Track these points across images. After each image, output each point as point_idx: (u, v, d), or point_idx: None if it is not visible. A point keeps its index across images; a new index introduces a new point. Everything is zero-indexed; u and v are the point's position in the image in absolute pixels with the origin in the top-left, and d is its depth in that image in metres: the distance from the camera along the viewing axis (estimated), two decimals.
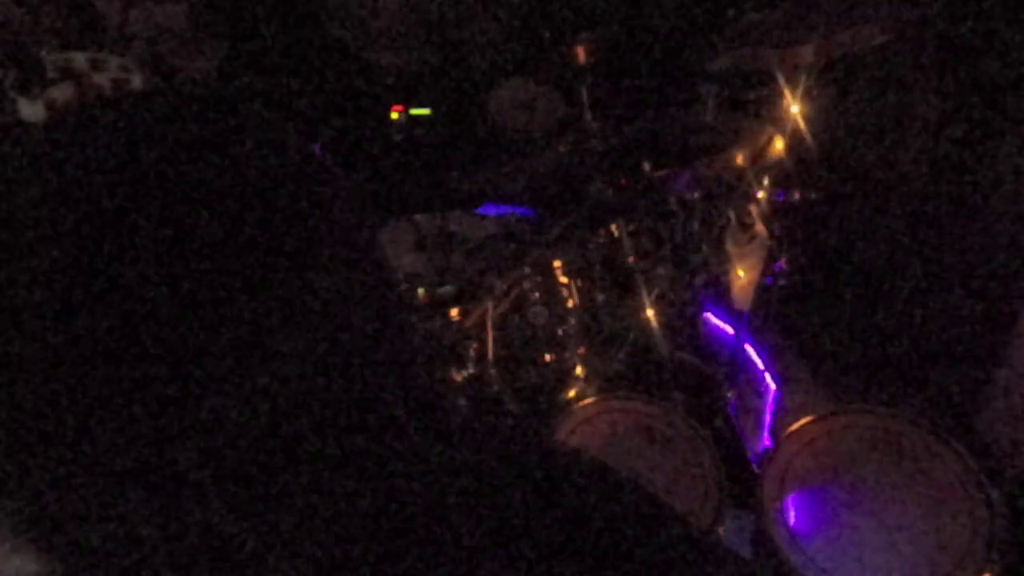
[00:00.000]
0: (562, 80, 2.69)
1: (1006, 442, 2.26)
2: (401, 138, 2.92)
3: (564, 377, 2.23)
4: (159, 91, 0.52)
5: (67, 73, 2.29)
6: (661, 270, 2.32)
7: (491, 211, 2.58)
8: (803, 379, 2.43)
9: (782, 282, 2.40)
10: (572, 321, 2.24)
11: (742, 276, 2.36)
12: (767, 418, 2.27)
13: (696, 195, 2.29)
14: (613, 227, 2.30)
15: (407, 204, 2.68)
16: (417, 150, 2.93)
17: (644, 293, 2.26)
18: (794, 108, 2.20)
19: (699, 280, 2.32)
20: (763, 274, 2.37)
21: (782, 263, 2.38)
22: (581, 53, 2.30)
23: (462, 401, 2.24)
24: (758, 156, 2.25)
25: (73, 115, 0.50)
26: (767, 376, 2.30)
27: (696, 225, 2.31)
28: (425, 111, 2.91)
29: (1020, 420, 2.25)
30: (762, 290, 2.39)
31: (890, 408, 1.89)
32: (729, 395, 2.27)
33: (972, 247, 2.54)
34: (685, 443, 1.93)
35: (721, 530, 1.82)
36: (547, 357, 2.23)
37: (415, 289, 2.32)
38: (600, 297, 2.28)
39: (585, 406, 2.03)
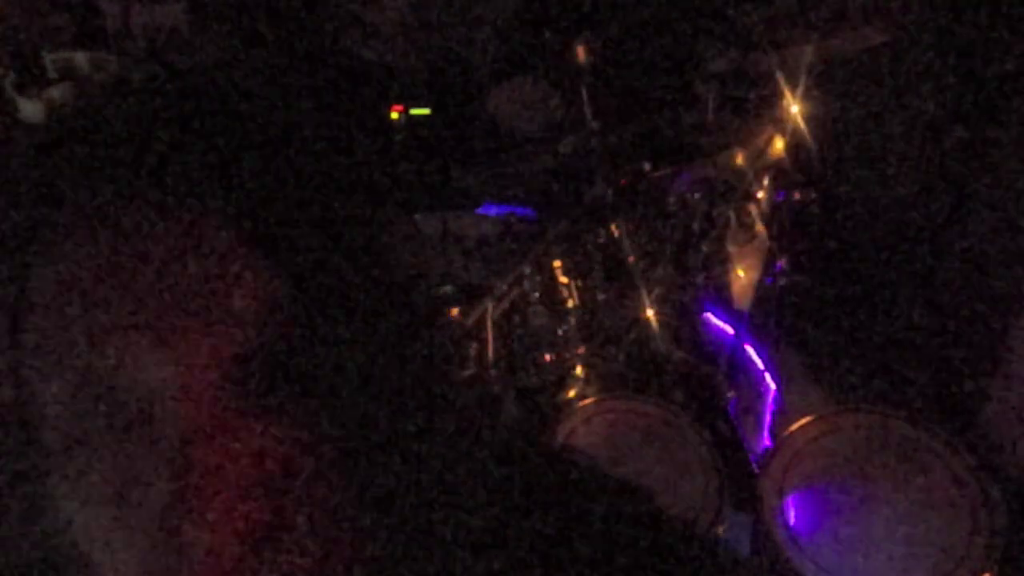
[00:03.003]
0: (562, 80, 2.69)
1: (1006, 442, 2.26)
2: (401, 138, 2.92)
3: (564, 377, 2.23)
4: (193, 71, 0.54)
5: (67, 73, 2.29)
6: (661, 270, 2.32)
7: (491, 211, 2.58)
8: (803, 379, 2.43)
9: (782, 282, 2.40)
10: (572, 321, 2.24)
11: (742, 276, 2.36)
12: (767, 418, 2.27)
13: (696, 195, 2.29)
14: (613, 227, 2.29)
15: (407, 204, 2.67)
16: (417, 150, 2.93)
17: (644, 293, 2.26)
18: (794, 108, 2.20)
19: (699, 280, 2.32)
20: (763, 274, 2.37)
21: (782, 263, 2.38)
22: (581, 53, 2.30)
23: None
24: (758, 156, 2.25)
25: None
26: (767, 376, 2.30)
27: (696, 225, 2.31)
28: (425, 111, 2.90)
29: (1020, 420, 2.25)
30: (762, 290, 2.39)
31: (890, 408, 1.89)
32: (729, 395, 2.27)
33: (972, 247, 2.53)
34: (685, 443, 1.93)
35: (721, 530, 1.82)
36: (547, 357, 2.23)
37: None
38: (600, 297, 2.28)
39: (585, 406, 2.03)
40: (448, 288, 2.33)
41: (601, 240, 2.28)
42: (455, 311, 2.20)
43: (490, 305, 2.17)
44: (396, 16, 2.95)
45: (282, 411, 0.47)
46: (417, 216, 2.51)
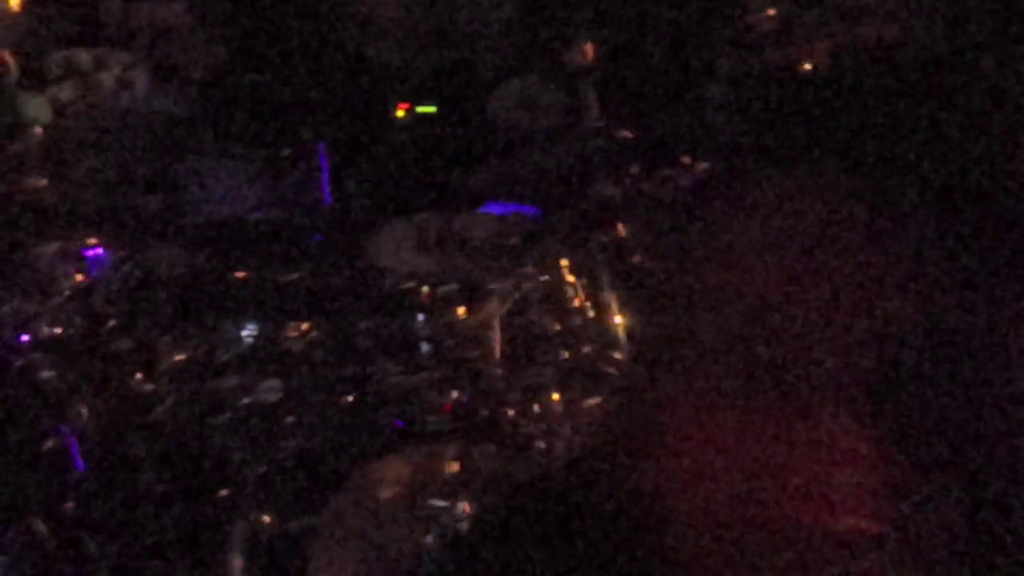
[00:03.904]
0: (568, 78, 2.69)
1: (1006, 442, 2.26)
2: (406, 136, 2.91)
3: (569, 377, 2.23)
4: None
5: (71, 71, 2.29)
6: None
7: (496, 210, 2.57)
8: None
9: None
10: (578, 321, 2.24)
11: None
12: None
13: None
14: (619, 227, 2.29)
15: (411, 202, 2.67)
16: (422, 148, 2.92)
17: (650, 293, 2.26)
18: None
19: None
20: None
21: None
22: (587, 51, 2.29)
23: (463, 399, 2.23)
24: None
25: None
26: None
27: None
28: (431, 109, 2.90)
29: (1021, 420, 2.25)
30: None
31: None
32: None
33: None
34: None
35: None
36: (552, 356, 2.23)
37: (419, 288, 2.32)
38: (606, 297, 2.27)
39: (590, 407, 2.03)
40: (452, 287, 2.33)
41: (607, 240, 2.28)
42: (461, 310, 2.20)
43: (496, 304, 2.16)
44: (402, 13, 2.95)
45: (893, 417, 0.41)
46: (421, 214, 2.50)
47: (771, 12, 2.12)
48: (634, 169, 2.35)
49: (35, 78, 2.21)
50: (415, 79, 2.92)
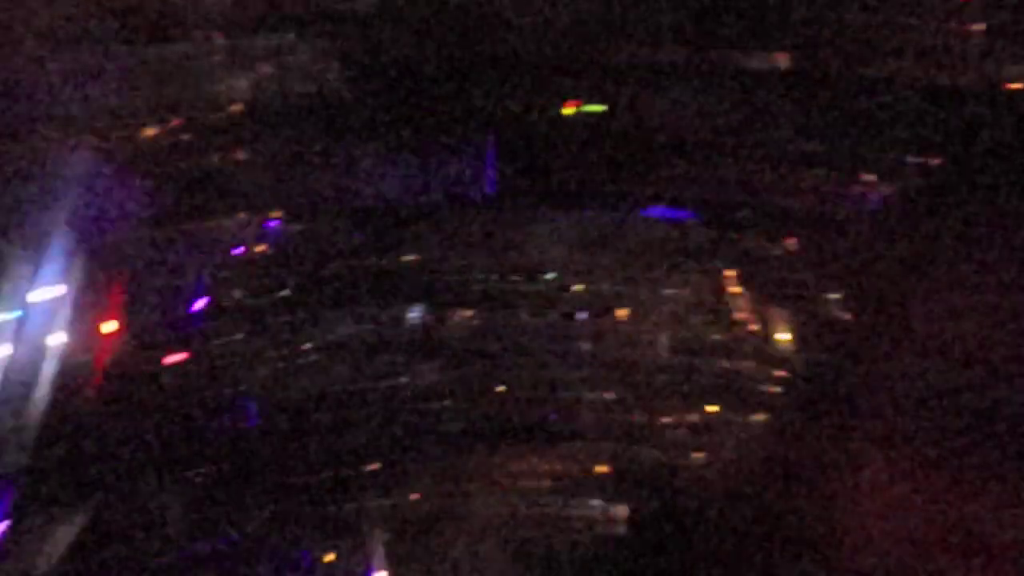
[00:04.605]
0: (744, 85, 2.62)
1: None
2: (573, 133, 2.91)
3: (727, 390, 2.19)
4: None
5: (268, 54, 2.41)
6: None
7: (660, 214, 2.54)
8: None
9: None
10: (740, 333, 2.20)
11: None
12: None
13: None
14: (789, 241, 2.23)
15: (576, 201, 2.67)
16: (589, 146, 2.91)
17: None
18: None
19: None
20: None
21: None
22: (775, 59, 2.23)
23: (619, 400, 2.23)
24: None
25: None
26: None
27: None
28: (600, 108, 2.89)
29: None
30: None
31: None
32: None
33: None
34: None
35: None
36: (711, 367, 2.20)
37: (579, 286, 2.33)
38: (771, 312, 2.22)
39: (748, 422, 1.99)
40: (608, 288, 2.33)
41: (777, 253, 2.22)
42: (623, 312, 2.20)
43: (657, 309, 2.15)
44: (572, 11, 2.95)
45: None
46: (583, 213, 2.51)
47: (979, 26, 2.00)
48: (809, 182, 2.28)
49: (238, 58, 2.34)
50: (587, 77, 2.91)
